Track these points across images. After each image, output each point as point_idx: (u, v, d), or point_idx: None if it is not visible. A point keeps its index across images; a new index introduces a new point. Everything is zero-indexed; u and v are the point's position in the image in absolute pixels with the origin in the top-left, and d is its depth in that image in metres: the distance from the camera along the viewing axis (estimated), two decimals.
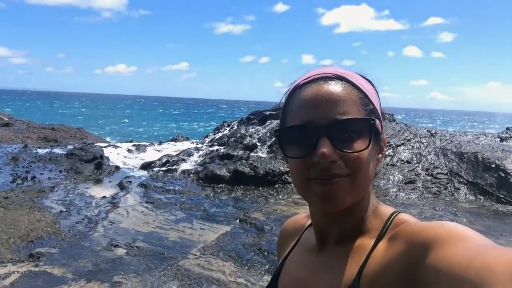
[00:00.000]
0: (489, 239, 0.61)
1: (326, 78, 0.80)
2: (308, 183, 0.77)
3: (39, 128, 17.01)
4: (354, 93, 0.78)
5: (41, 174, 9.48)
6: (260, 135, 11.16)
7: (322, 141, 0.74)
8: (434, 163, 9.40)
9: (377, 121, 0.78)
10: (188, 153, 11.34)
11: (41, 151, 11.61)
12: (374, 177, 0.84)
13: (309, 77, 0.82)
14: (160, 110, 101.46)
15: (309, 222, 1.01)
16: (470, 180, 8.66)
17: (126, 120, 53.35)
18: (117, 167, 10.42)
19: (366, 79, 0.85)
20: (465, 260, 0.55)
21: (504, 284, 0.48)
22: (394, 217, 0.80)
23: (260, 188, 8.79)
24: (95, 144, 12.67)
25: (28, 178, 8.96)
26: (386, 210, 0.83)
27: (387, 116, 12.76)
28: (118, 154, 12.13)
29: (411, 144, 10.17)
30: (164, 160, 10.77)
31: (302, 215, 1.10)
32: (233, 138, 11.39)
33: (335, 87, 0.78)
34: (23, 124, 17.43)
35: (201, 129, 43.99)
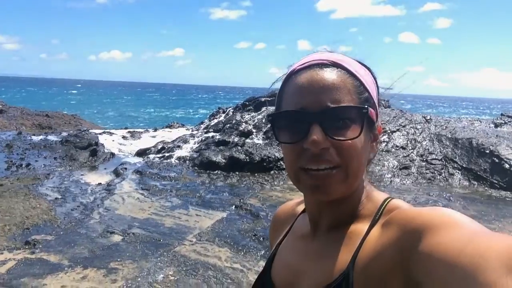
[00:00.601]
0: (482, 225, 0.61)
1: (322, 64, 0.79)
2: (300, 172, 0.77)
3: (33, 115, 16.91)
4: (349, 81, 0.77)
5: (36, 161, 9.44)
6: (255, 121, 11.14)
7: (314, 128, 0.73)
8: (428, 149, 9.45)
9: (371, 110, 0.77)
10: (184, 139, 11.33)
11: (36, 138, 11.55)
12: (368, 164, 0.84)
13: (305, 62, 0.81)
14: (157, 96, 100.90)
15: (302, 208, 1.01)
16: (464, 165, 8.72)
17: (117, 108, 53.08)
18: (112, 154, 10.41)
19: (364, 65, 0.84)
20: (458, 247, 0.55)
21: (497, 271, 0.48)
22: (387, 203, 0.80)
23: (256, 174, 8.81)
24: (90, 131, 12.61)
25: (23, 165, 8.93)
26: (379, 196, 0.83)
27: (383, 103, 12.76)
28: (113, 141, 12.10)
29: (406, 130, 10.21)
30: (159, 147, 10.76)
31: (294, 201, 1.10)
32: (228, 125, 11.36)
33: (330, 74, 0.77)
34: (17, 111, 17.30)
35: (197, 115, 43.82)
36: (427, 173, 8.72)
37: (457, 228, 0.59)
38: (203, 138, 11.17)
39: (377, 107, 0.82)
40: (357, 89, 0.77)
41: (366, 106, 0.76)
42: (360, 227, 0.78)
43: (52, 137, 11.70)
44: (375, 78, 0.85)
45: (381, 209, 0.78)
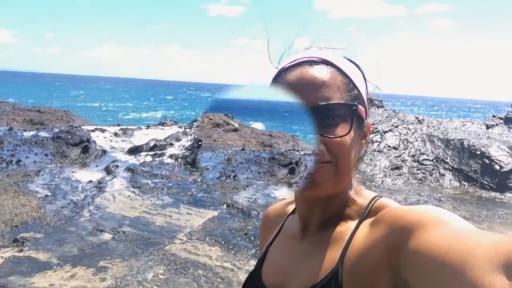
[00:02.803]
0: (470, 224, 0.61)
1: (311, 62, 0.79)
2: None
3: (24, 110, 16.71)
4: (338, 78, 0.77)
5: (27, 157, 9.34)
6: None
7: None
8: (420, 150, 9.50)
9: (360, 107, 0.77)
10: (176, 137, 11.28)
11: (27, 134, 11.43)
12: (357, 162, 0.83)
13: (295, 60, 0.81)
14: (150, 94, 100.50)
15: (292, 208, 1.01)
16: (455, 166, 8.78)
17: (111, 104, 52.89)
18: (104, 151, 10.33)
19: (354, 63, 0.84)
20: (446, 244, 0.55)
21: (484, 267, 0.48)
22: (375, 201, 0.80)
23: None
24: (82, 127, 12.52)
25: (13, 162, 8.83)
26: (368, 194, 0.83)
27: (376, 102, 12.82)
28: (105, 138, 12.01)
29: (399, 131, 10.26)
30: (151, 145, 10.70)
31: (284, 201, 1.10)
32: None
33: (319, 72, 0.77)
34: (9, 106, 17.10)
35: (193, 113, 43.70)
36: (418, 173, 8.77)
37: (445, 226, 0.59)
38: (196, 136, 11.14)
39: (367, 105, 0.82)
40: (346, 86, 0.77)
41: (355, 103, 0.76)
42: (348, 226, 0.78)
43: (43, 133, 11.58)
44: (364, 76, 0.85)
45: (369, 207, 0.79)
